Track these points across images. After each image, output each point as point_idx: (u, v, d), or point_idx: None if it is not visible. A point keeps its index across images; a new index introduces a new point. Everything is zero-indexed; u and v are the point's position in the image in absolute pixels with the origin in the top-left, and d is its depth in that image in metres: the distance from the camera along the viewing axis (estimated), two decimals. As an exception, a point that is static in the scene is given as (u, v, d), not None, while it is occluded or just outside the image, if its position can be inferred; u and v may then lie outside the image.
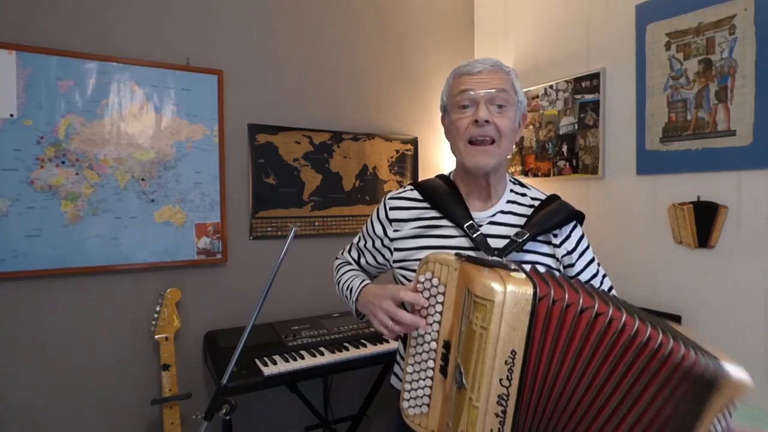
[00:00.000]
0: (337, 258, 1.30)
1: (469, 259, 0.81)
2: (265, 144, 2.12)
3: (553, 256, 1.03)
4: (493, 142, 1.01)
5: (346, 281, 1.15)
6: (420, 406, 0.87)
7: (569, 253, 1.04)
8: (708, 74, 1.66)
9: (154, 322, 1.82)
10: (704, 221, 1.67)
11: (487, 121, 0.99)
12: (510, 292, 0.71)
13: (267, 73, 2.13)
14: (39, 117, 1.67)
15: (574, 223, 1.06)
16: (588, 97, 2.07)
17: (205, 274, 2.00)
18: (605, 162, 2.03)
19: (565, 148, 2.18)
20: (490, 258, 0.90)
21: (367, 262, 1.21)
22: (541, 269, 0.89)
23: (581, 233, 1.08)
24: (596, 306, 0.71)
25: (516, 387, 0.72)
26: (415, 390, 0.87)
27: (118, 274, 1.83)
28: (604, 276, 1.09)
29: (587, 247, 1.08)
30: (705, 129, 1.67)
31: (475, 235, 1.00)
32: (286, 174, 2.17)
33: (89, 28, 1.77)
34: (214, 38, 2.00)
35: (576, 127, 2.13)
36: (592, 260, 1.08)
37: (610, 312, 0.71)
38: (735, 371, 0.68)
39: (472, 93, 1.00)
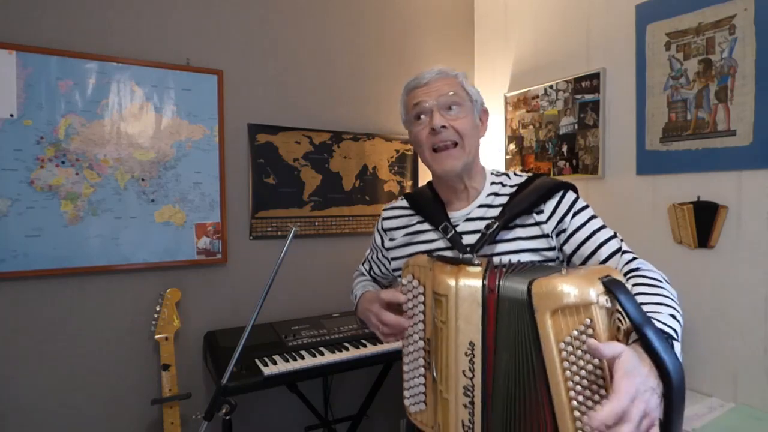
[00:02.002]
0: (356, 270, 1.39)
1: (440, 258, 0.84)
2: (265, 144, 2.12)
3: (541, 236, 0.98)
4: (456, 144, 1.02)
5: (355, 291, 1.25)
6: (419, 403, 0.89)
7: (560, 220, 0.98)
8: (708, 74, 1.66)
9: (154, 322, 1.82)
10: (704, 221, 1.67)
11: (444, 127, 1.00)
12: (461, 287, 0.74)
13: (267, 73, 2.13)
14: (39, 117, 1.67)
15: (561, 193, 1.00)
16: (588, 97, 2.07)
17: (205, 274, 2.00)
18: (605, 162, 2.03)
19: (565, 148, 2.18)
20: (461, 256, 0.92)
21: (375, 272, 1.30)
22: (520, 258, 0.92)
23: (573, 198, 1.01)
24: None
25: (480, 377, 0.74)
26: (413, 387, 0.90)
27: (118, 274, 1.83)
28: (611, 236, 0.96)
29: (583, 208, 1.00)
30: (705, 129, 1.67)
31: (449, 235, 1.02)
32: (286, 174, 2.17)
33: (89, 28, 1.77)
34: (214, 38, 2.00)
35: (576, 127, 2.13)
36: (591, 218, 0.99)
37: (495, 283, 0.76)
38: (544, 285, 0.68)
39: (424, 104, 1.03)
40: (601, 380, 0.63)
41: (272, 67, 2.14)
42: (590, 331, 0.64)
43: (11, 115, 1.63)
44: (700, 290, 1.71)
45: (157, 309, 1.83)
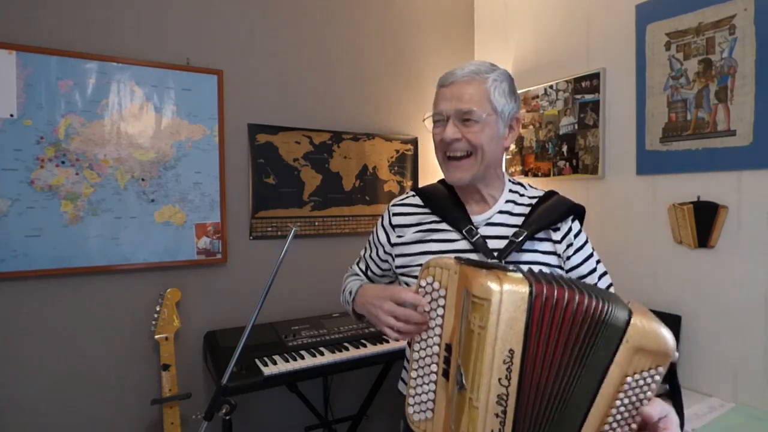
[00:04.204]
0: (347, 271, 1.33)
1: (469, 262, 0.82)
2: (265, 144, 2.12)
3: (554, 253, 1.03)
4: (469, 154, 1.01)
5: (348, 288, 1.17)
6: (425, 412, 0.86)
7: (568, 247, 1.04)
8: (708, 74, 1.66)
9: (154, 322, 1.82)
10: (704, 221, 1.67)
11: (457, 139, 0.99)
12: (507, 291, 0.71)
13: (267, 73, 2.13)
14: (39, 117, 1.67)
15: (571, 218, 1.06)
16: (588, 97, 2.07)
17: (205, 274, 2.00)
18: (605, 162, 2.03)
19: (565, 148, 2.18)
20: (489, 260, 0.90)
21: (373, 272, 1.24)
22: (542, 269, 0.89)
23: (579, 228, 1.07)
24: (576, 298, 0.73)
25: (515, 386, 0.72)
26: (420, 395, 0.86)
27: (118, 274, 1.83)
28: (603, 273, 1.08)
29: (585, 243, 1.07)
30: (705, 129, 1.67)
31: (474, 239, 1.01)
32: (286, 174, 2.17)
33: (89, 28, 1.77)
34: (214, 38, 2.00)
35: (576, 127, 2.13)
36: (590, 256, 1.07)
37: (586, 301, 0.73)
38: (646, 322, 0.70)
39: (441, 110, 1.01)
40: (635, 419, 0.71)
41: (272, 67, 2.14)
42: (657, 377, 0.69)
43: (11, 115, 1.63)
44: (699, 290, 1.71)
45: (157, 309, 1.83)
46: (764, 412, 1.53)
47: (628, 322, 0.70)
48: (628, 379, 0.69)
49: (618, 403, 0.70)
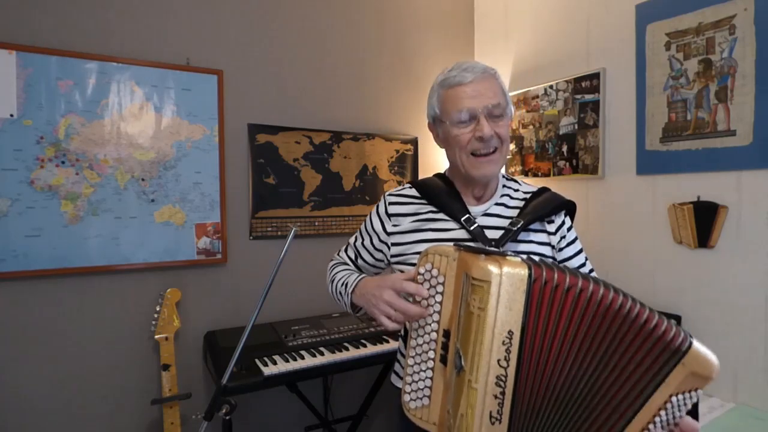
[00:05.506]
0: (332, 259, 1.31)
1: (467, 248, 0.83)
2: (265, 144, 2.12)
3: (548, 244, 1.07)
4: (495, 150, 1.04)
5: (340, 279, 1.16)
6: (421, 399, 0.87)
7: (562, 239, 1.08)
8: (708, 74, 1.66)
9: (154, 322, 1.82)
10: (704, 221, 1.67)
11: (492, 135, 1.01)
12: (506, 274, 0.72)
13: (267, 73, 2.13)
14: (39, 117, 1.67)
15: (563, 213, 1.10)
16: (588, 97, 2.07)
17: (205, 274, 2.00)
18: (605, 162, 2.03)
19: (565, 148, 2.18)
20: (487, 247, 0.91)
21: (364, 260, 1.22)
22: (535, 258, 0.90)
23: (570, 223, 1.12)
24: (579, 284, 0.74)
25: (514, 368, 0.73)
26: (416, 382, 0.87)
27: (118, 274, 1.83)
28: (591, 270, 1.12)
29: (576, 238, 1.12)
30: (705, 129, 1.67)
31: (472, 227, 1.03)
32: (286, 174, 2.17)
33: (89, 28, 1.77)
34: (214, 38, 2.00)
35: (576, 127, 2.13)
36: (580, 251, 1.11)
37: (591, 288, 0.74)
38: (702, 348, 0.72)
39: (471, 109, 1.01)
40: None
41: (272, 67, 2.14)
42: (695, 398, 0.72)
43: (11, 115, 1.63)
44: (699, 290, 1.71)
45: (157, 309, 1.83)
46: (764, 412, 1.53)
47: (689, 346, 0.71)
48: (673, 398, 0.71)
49: (657, 419, 0.71)
